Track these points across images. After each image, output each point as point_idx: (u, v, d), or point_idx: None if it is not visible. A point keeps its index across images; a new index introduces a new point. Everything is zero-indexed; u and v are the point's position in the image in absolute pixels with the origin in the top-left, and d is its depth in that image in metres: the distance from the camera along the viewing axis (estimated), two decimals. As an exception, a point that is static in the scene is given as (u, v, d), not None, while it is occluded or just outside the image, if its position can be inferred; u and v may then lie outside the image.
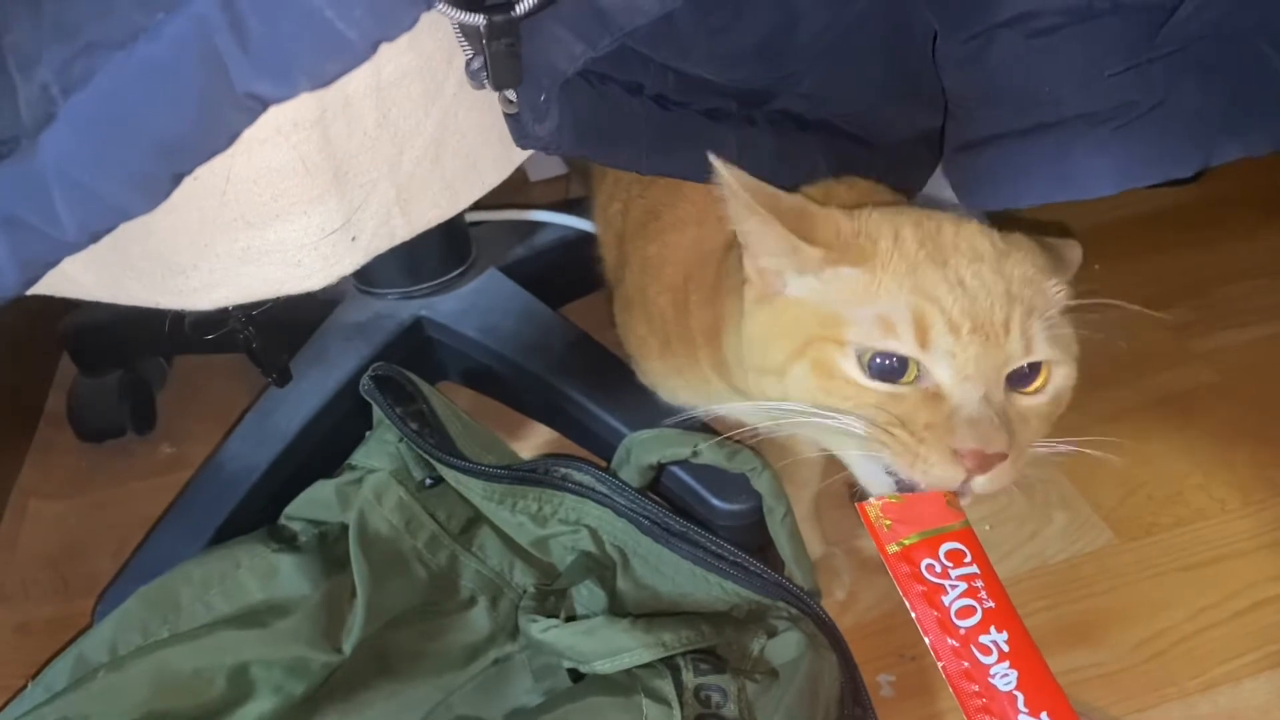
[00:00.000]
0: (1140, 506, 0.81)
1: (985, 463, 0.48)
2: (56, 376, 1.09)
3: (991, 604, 0.49)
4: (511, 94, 0.43)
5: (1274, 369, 0.92)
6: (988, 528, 0.81)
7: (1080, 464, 0.84)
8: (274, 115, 0.34)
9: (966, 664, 0.47)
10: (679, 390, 0.70)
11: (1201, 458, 0.84)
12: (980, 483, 0.49)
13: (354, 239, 0.44)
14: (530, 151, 0.49)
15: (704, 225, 0.62)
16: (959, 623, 0.48)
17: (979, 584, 0.50)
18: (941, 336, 0.48)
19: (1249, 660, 0.69)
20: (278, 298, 0.73)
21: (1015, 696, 0.46)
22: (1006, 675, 0.47)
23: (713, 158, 0.48)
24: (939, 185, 0.59)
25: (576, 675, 0.66)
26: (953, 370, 0.48)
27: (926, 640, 0.48)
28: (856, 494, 0.54)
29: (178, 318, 0.69)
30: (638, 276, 0.67)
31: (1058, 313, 0.52)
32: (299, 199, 0.40)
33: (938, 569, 0.49)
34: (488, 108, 0.45)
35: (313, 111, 0.38)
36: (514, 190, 0.56)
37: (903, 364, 0.49)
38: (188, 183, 0.35)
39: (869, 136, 0.56)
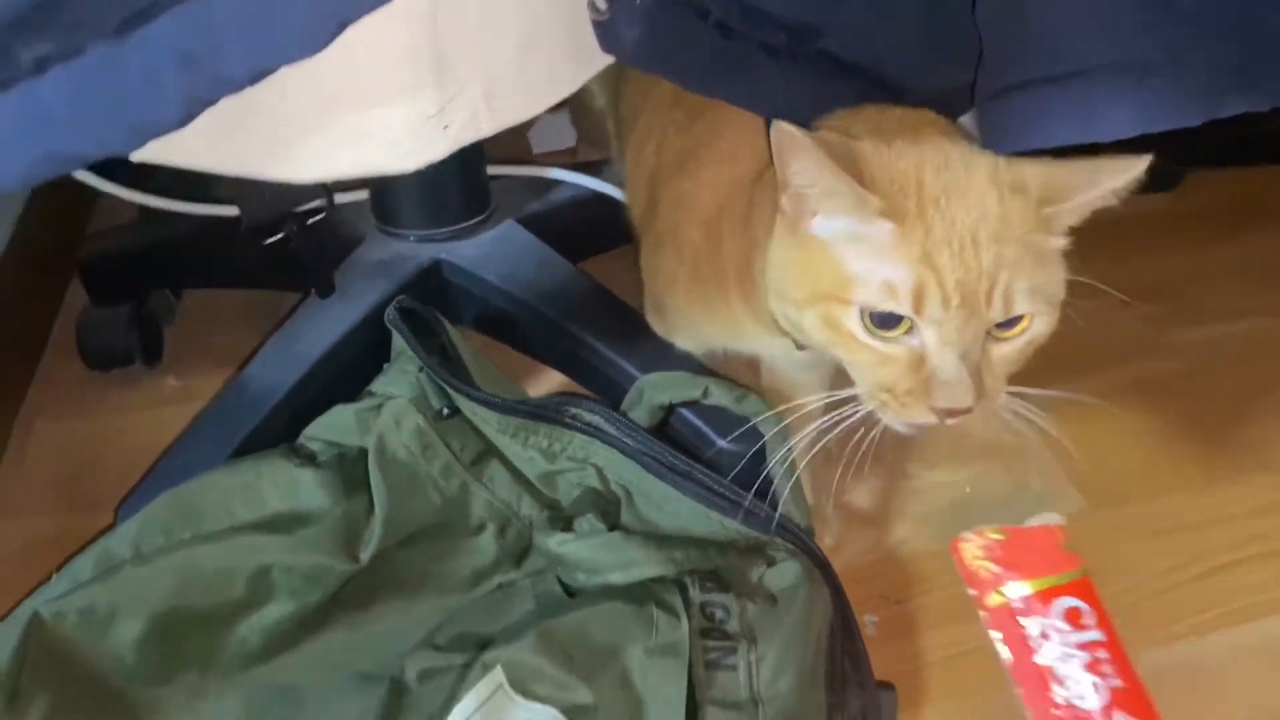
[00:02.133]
0: (1113, 479, 0.86)
1: (955, 415, 0.55)
2: (62, 309, 1.10)
3: (1119, 682, 0.40)
4: (602, 2, 0.46)
5: (1239, 362, 0.98)
6: (967, 489, 0.86)
7: (1058, 438, 0.89)
8: (393, 4, 0.37)
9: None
10: (703, 325, 0.74)
11: (1171, 438, 0.90)
12: (950, 423, 0.57)
13: (446, 127, 0.47)
14: (602, 65, 0.52)
15: (738, 161, 0.66)
16: (1079, 706, 0.38)
17: (1103, 654, 0.40)
18: (934, 308, 0.54)
19: (1210, 616, 0.74)
20: (328, 210, 0.76)
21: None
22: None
23: (783, 125, 0.52)
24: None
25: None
26: (938, 336, 0.55)
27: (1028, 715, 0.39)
28: (952, 531, 0.57)
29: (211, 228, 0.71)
30: (671, 213, 0.71)
31: (1053, 256, 0.57)
32: (404, 84, 0.43)
33: (1053, 635, 0.39)
34: (571, 19, 0.49)
35: (426, 4, 0.42)
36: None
37: (898, 318, 0.55)
38: (307, 62, 0.38)
39: (904, 84, 0.60)
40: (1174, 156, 1.20)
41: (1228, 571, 0.78)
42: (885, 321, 0.55)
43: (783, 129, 0.53)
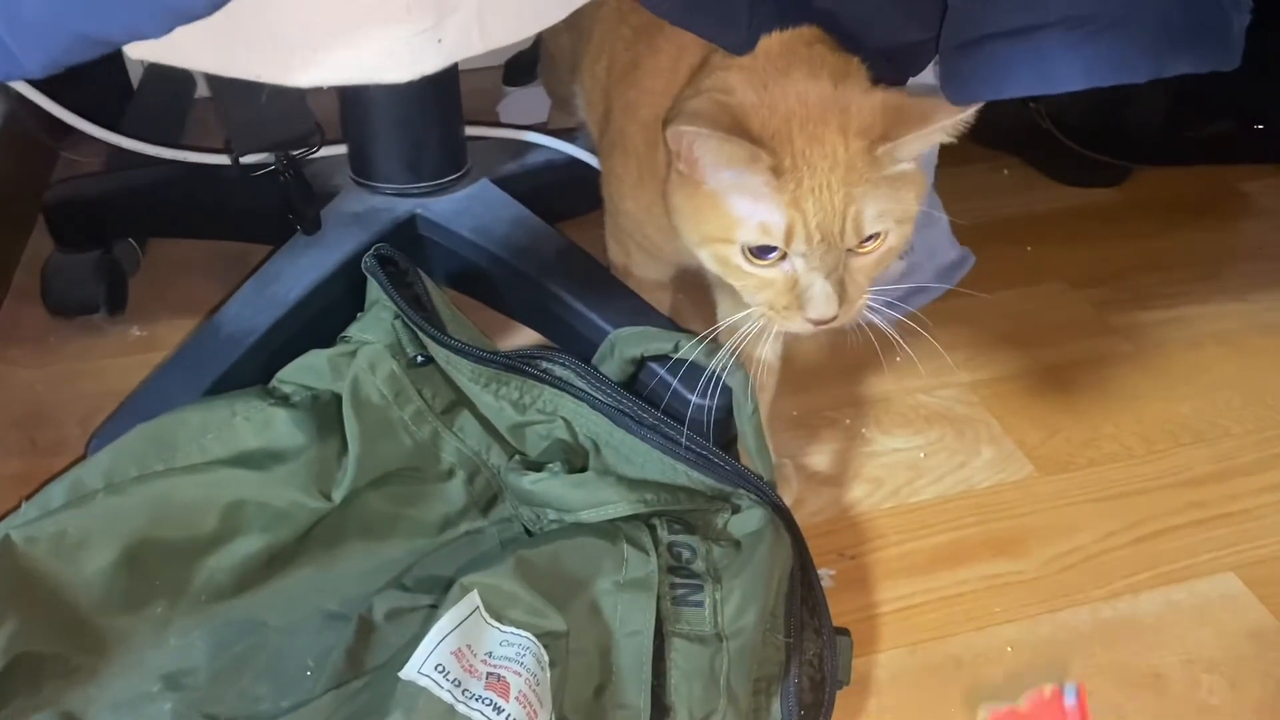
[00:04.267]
0: (1059, 447, 0.90)
1: (824, 323, 0.65)
2: (23, 256, 1.09)
3: None
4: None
5: (1179, 345, 1.02)
6: (922, 455, 0.89)
7: (1008, 409, 0.94)
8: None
9: None
10: (648, 229, 0.77)
11: (1115, 411, 0.94)
12: (823, 329, 0.66)
13: (439, 41, 0.49)
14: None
15: (675, 73, 0.71)
16: None
17: None
18: (799, 243, 0.63)
19: (1146, 577, 0.78)
20: (319, 144, 0.77)
21: None
22: None
23: (678, 127, 0.61)
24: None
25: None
26: (805, 264, 0.64)
27: None
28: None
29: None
30: (620, 120, 0.76)
31: (901, 181, 0.64)
32: (405, -4, 0.45)
33: None
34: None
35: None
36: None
37: (772, 250, 0.64)
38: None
39: (865, 36, 0.64)
40: (1122, 154, 1.27)
41: (1163, 536, 0.82)
42: (762, 253, 0.64)
43: (681, 132, 0.62)
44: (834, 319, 0.65)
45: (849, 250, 0.64)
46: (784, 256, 0.64)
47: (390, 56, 0.49)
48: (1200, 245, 1.18)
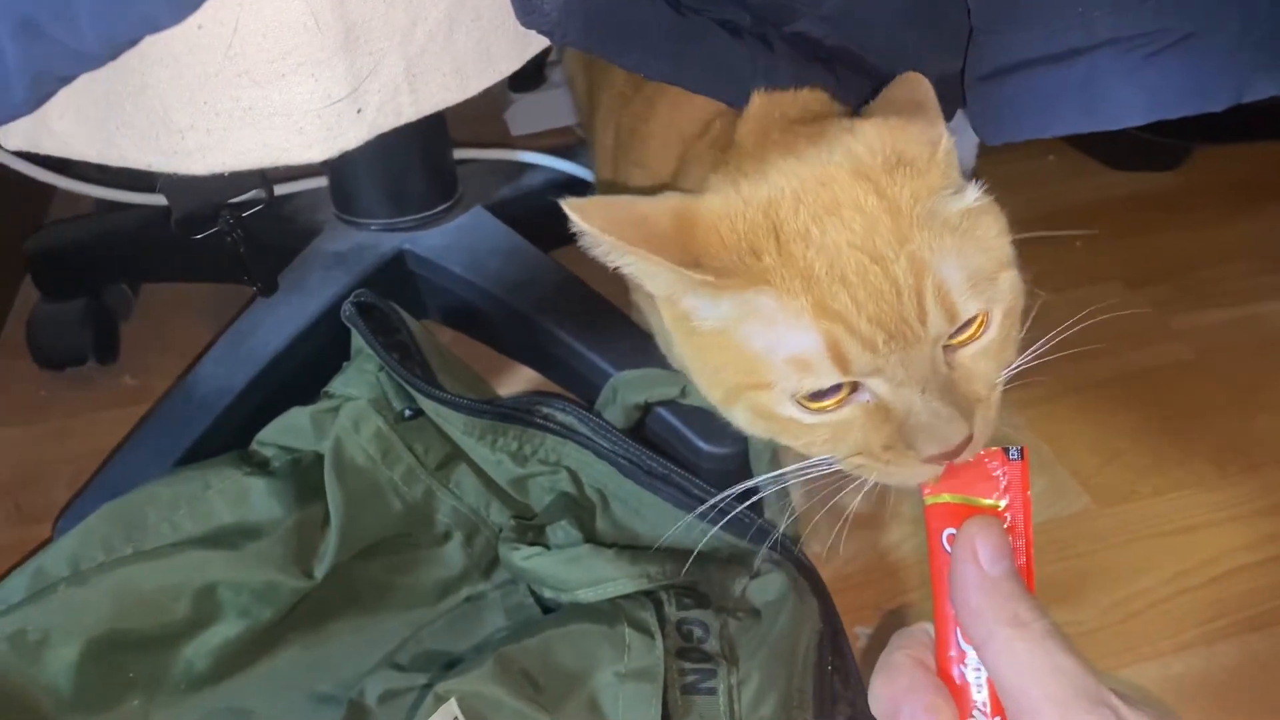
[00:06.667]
0: (1119, 474, 0.81)
1: (954, 453, 0.45)
2: (15, 305, 1.05)
3: None
4: (513, -41, 0.41)
5: (1249, 349, 0.93)
6: (968, 488, 0.81)
7: (1060, 432, 0.85)
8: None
9: (952, 651, 0.43)
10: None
11: (1179, 430, 0.85)
12: (962, 458, 0.47)
13: (359, 111, 0.42)
14: (545, 43, 0.47)
15: (667, 145, 0.59)
16: None
17: None
18: (860, 358, 0.45)
19: (1221, 624, 0.70)
20: (267, 202, 0.71)
21: (981, 690, 0.41)
22: (978, 670, 0.41)
23: (563, 204, 0.45)
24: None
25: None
26: (885, 382, 0.46)
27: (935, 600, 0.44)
28: None
29: (163, 218, 0.67)
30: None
31: (976, 217, 0.48)
32: (307, 59, 0.38)
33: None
34: (504, -8, 0.44)
35: (326, -38, 0.37)
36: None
37: (835, 386, 0.47)
38: (192, 32, 0.33)
39: (889, 72, 0.54)
40: (1179, 132, 1.17)
41: (1240, 575, 0.73)
42: (823, 395, 0.47)
43: (572, 220, 0.45)
44: (968, 441, 0.45)
45: (947, 346, 0.46)
46: (855, 386, 0.47)
47: (301, 134, 0.41)
48: (1272, 234, 1.07)
